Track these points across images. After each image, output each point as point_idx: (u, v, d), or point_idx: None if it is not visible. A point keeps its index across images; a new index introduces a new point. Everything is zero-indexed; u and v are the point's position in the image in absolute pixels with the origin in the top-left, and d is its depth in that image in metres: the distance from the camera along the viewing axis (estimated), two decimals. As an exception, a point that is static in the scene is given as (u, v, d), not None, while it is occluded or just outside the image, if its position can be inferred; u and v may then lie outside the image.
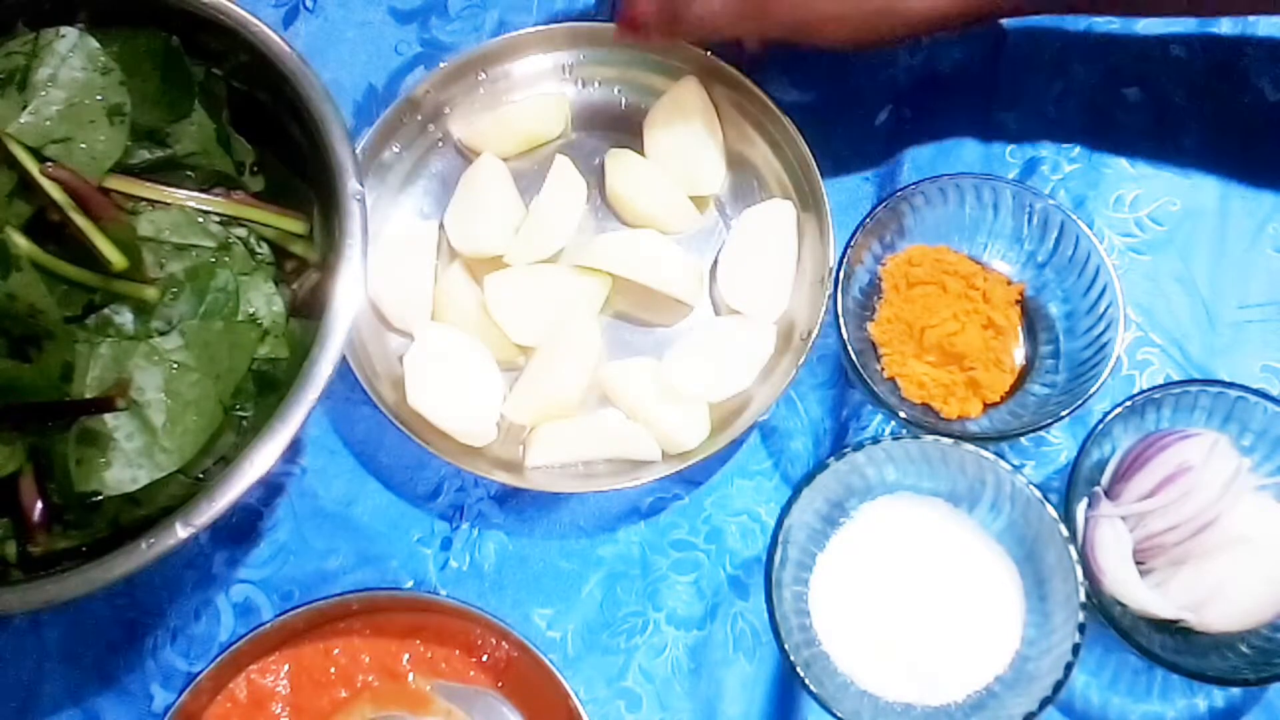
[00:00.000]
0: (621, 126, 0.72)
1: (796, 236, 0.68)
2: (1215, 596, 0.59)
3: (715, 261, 0.69)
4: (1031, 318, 0.67)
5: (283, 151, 0.64)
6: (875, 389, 0.62)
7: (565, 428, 0.66)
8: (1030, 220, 0.65)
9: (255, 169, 0.65)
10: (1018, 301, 0.66)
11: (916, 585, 0.60)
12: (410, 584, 0.66)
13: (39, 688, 0.65)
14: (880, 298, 0.67)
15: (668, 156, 0.70)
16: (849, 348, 0.62)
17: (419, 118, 0.71)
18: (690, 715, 0.64)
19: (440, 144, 0.72)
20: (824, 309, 0.65)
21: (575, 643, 0.65)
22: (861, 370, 0.62)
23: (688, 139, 0.70)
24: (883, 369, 0.66)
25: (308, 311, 0.61)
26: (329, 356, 0.57)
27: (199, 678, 0.61)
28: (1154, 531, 0.60)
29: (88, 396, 0.56)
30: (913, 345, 0.66)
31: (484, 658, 0.63)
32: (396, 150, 0.71)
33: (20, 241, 0.57)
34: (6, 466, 0.56)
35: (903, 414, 0.63)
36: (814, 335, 0.65)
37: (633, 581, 0.66)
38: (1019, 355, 0.66)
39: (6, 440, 0.56)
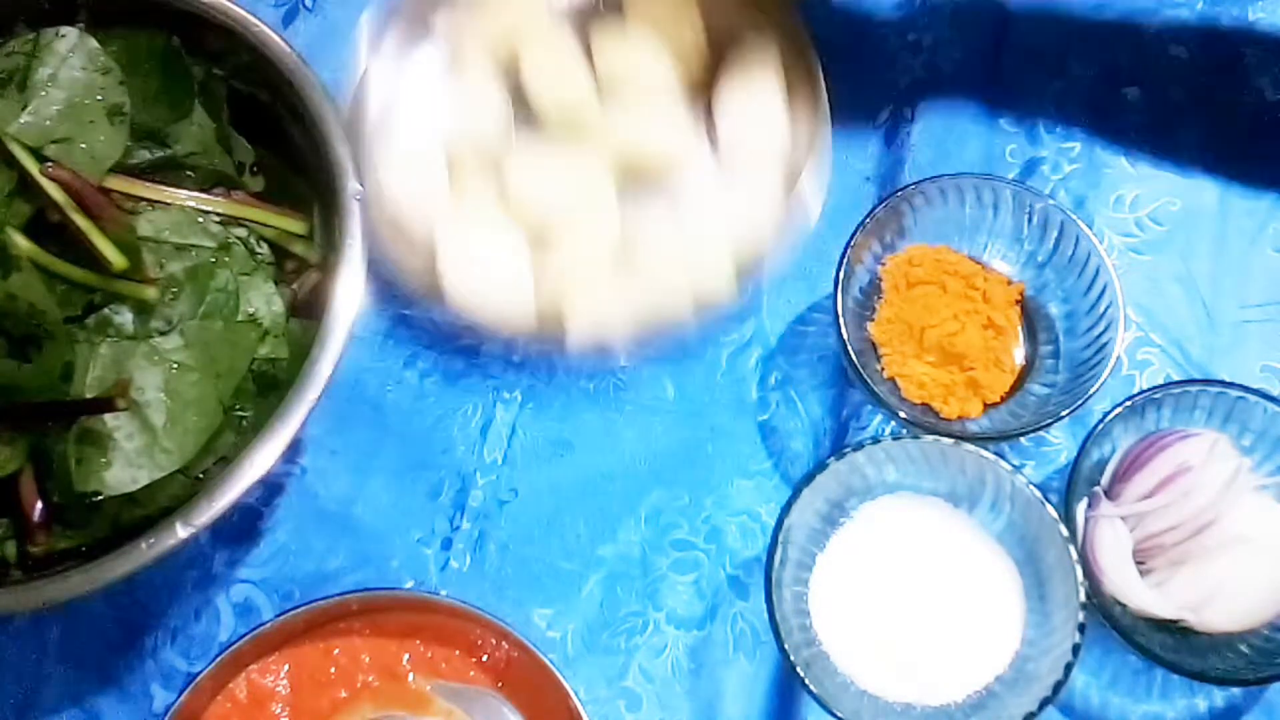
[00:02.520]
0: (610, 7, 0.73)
1: (782, 74, 0.70)
2: (1215, 596, 0.59)
3: (709, 113, 0.71)
4: (1031, 318, 0.67)
5: (283, 151, 0.64)
6: (875, 389, 0.62)
7: (598, 295, 0.67)
8: (1030, 220, 0.65)
9: (255, 169, 0.65)
10: (1018, 301, 0.66)
11: (916, 585, 0.60)
12: (410, 584, 0.66)
13: (39, 688, 0.65)
14: (880, 298, 0.67)
15: (653, 23, 0.72)
16: (849, 348, 0.62)
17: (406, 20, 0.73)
18: (690, 715, 0.64)
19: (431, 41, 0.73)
20: (823, 142, 0.67)
21: (575, 643, 0.65)
22: (861, 370, 0.62)
23: (666, 8, 0.71)
24: (883, 369, 0.66)
25: (308, 311, 0.61)
26: (329, 356, 0.57)
27: (199, 678, 0.61)
28: (1154, 531, 0.60)
29: (88, 396, 0.56)
30: (913, 345, 0.66)
31: (484, 658, 0.63)
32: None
33: (20, 241, 0.57)
34: (6, 466, 0.56)
35: (903, 414, 0.63)
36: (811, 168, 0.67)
37: (633, 581, 0.66)
38: (1019, 355, 0.66)
39: (6, 440, 0.56)
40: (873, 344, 0.67)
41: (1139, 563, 0.60)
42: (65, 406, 0.56)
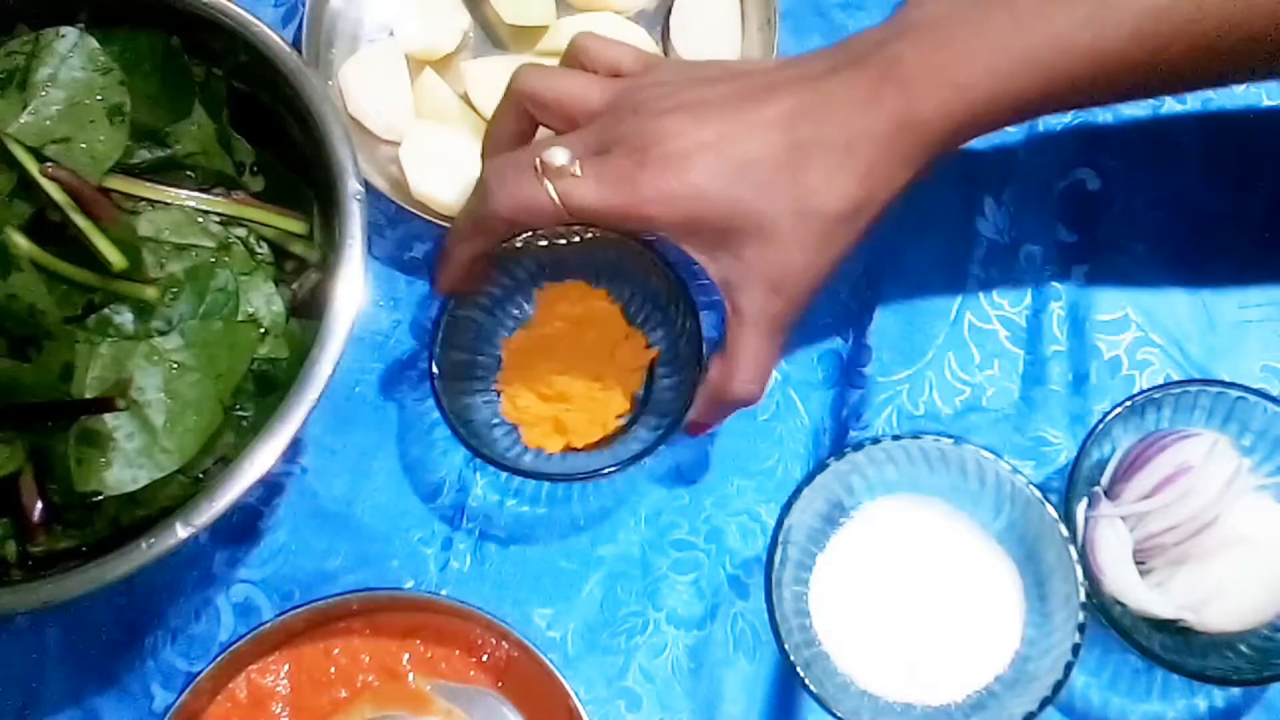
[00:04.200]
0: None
1: None
2: (1215, 596, 0.59)
3: (666, 28, 0.73)
4: (653, 388, 0.66)
5: (283, 151, 0.64)
6: (457, 397, 0.63)
7: None
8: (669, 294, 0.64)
9: (255, 169, 0.65)
10: (646, 366, 0.66)
11: (916, 585, 0.60)
12: (410, 584, 0.66)
13: (39, 688, 0.65)
14: (528, 319, 0.67)
15: None
16: (434, 362, 0.62)
17: None
18: (690, 715, 0.64)
19: None
20: (775, 50, 0.70)
21: (575, 643, 0.65)
22: (440, 387, 0.62)
23: None
24: (496, 383, 0.67)
25: (308, 311, 0.61)
26: (329, 356, 0.57)
27: (199, 678, 0.61)
28: (1154, 531, 0.59)
29: (88, 396, 0.56)
30: (524, 371, 0.66)
31: (484, 658, 0.63)
32: None
33: (20, 241, 0.57)
34: (6, 466, 0.56)
35: (466, 435, 0.62)
36: None
37: (633, 581, 0.66)
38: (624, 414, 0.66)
39: (6, 440, 0.56)
40: (499, 359, 0.67)
41: (1139, 563, 0.60)
42: (65, 406, 0.56)
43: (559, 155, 0.55)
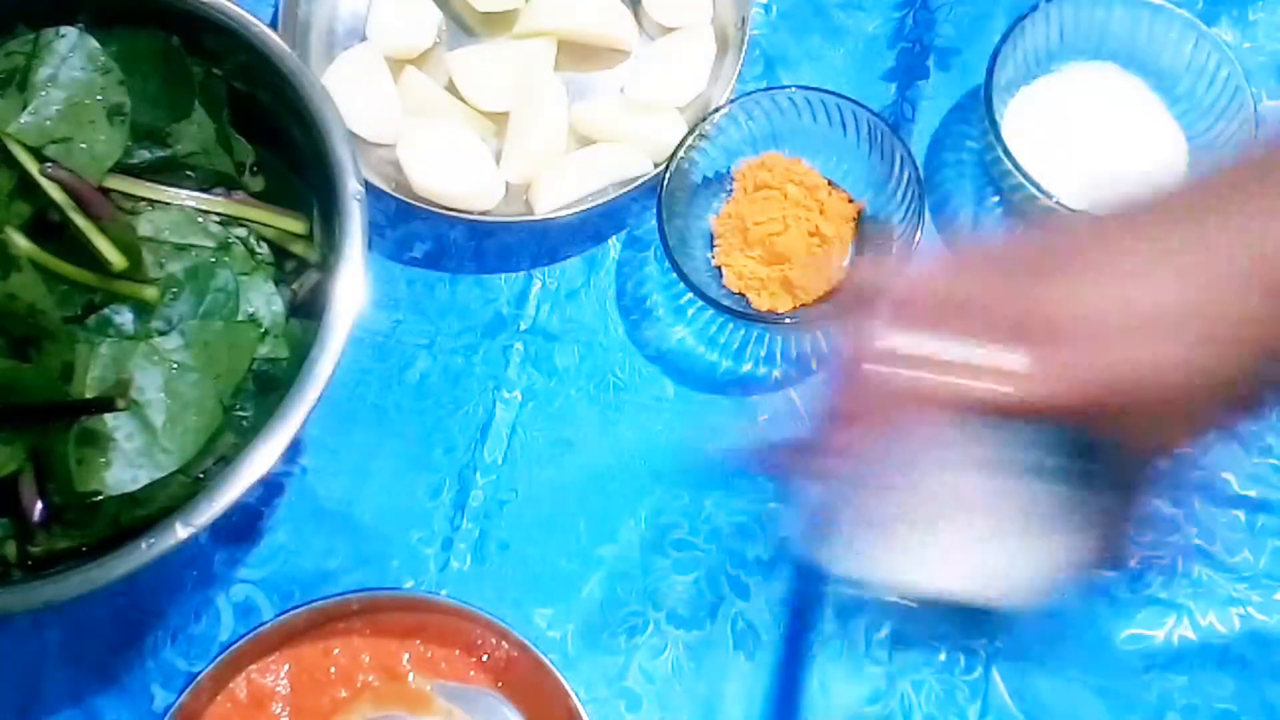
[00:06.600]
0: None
1: None
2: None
3: None
4: (870, 236, 0.70)
5: (283, 151, 0.64)
6: (684, 271, 0.66)
7: (563, 169, 0.70)
8: (873, 144, 0.68)
9: (255, 169, 0.65)
10: (855, 219, 0.69)
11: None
12: (410, 584, 0.66)
13: (39, 688, 0.65)
14: (729, 195, 0.71)
15: None
16: (664, 231, 0.66)
17: None
18: (690, 715, 0.64)
19: None
20: (750, 2, 0.72)
21: (575, 643, 0.65)
22: (673, 254, 0.66)
23: None
24: (713, 257, 0.70)
25: (308, 311, 0.62)
26: (329, 356, 0.57)
27: (199, 678, 0.61)
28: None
29: (88, 396, 0.56)
30: (740, 239, 0.69)
31: (484, 658, 0.63)
32: None
33: (20, 241, 0.57)
34: (6, 466, 0.56)
35: (711, 295, 0.66)
36: (748, 25, 0.71)
37: (633, 581, 0.66)
38: (845, 265, 0.69)
39: (6, 440, 0.56)
40: (711, 235, 0.70)
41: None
42: (65, 406, 0.56)
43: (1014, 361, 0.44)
